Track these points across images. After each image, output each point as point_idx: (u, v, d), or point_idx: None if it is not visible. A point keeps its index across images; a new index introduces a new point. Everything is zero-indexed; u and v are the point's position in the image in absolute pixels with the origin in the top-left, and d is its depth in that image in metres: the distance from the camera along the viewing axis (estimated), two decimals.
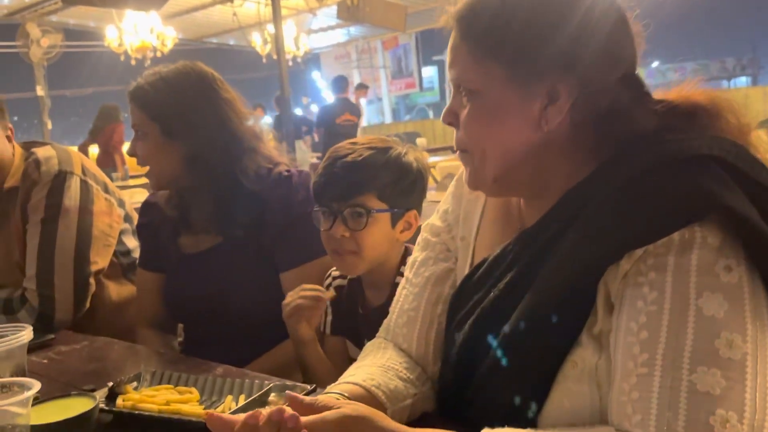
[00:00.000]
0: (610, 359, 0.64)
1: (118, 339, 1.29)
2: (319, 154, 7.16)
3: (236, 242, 1.33)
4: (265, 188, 1.33)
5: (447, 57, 0.79)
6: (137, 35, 7.13)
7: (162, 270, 1.45)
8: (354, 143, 1.16)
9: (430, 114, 20.76)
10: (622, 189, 0.66)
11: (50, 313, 1.39)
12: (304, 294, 1.13)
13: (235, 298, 1.31)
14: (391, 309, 0.93)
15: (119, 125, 6.57)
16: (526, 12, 0.72)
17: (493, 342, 0.72)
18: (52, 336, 1.28)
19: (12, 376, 0.89)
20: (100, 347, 1.23)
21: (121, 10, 6.41)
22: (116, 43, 7.29)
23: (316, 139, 8.13)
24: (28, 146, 1.56)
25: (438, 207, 0.95)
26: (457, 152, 0.80)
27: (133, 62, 7.23)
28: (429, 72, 21.25)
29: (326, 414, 0.62)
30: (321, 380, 1.08)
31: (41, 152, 1.51)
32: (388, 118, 18.19)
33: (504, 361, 0.70)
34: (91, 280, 1.46)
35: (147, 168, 1.37)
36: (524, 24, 0.71)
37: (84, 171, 1.51)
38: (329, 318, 1.25)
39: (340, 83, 7.61)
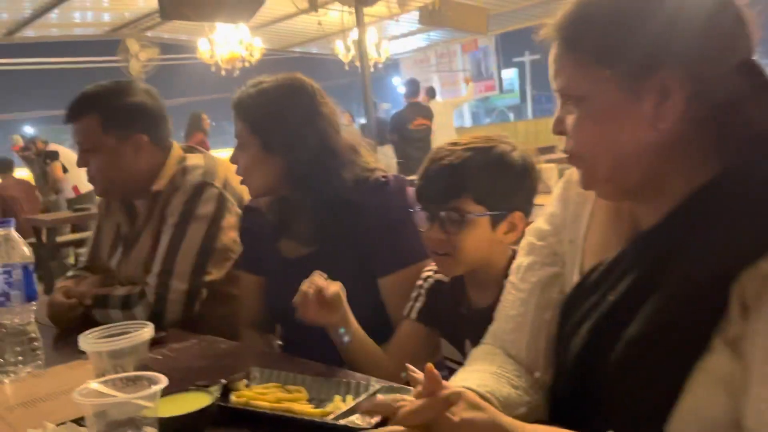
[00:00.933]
0: (746, 366, 0.61)
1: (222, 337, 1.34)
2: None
3: (335, 247, 1.35)
4: (362, 196, 1.34)
5: (550, 68, 0.78)
6: (227, 47, 7.43)
7: (263, 273, 1.49)
8: (455, 144, 1.14)
9: (511, 116, 20.42)
10: (760, 190, 0.63)
11: (162, 312, 1.47)
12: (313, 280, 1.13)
13: None
14: (496, 315, 0.92)
15: (202, 134, 6.88)
16: (626, 13, 0.70)
17: (614, 348, 0.70)
18: (164, 333, 1.34)
19: (135, 370, 0.95)
20: (208, 345, 1.28)
21: (212, 23, 6.70)
22: (208, 55, 7.63)
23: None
24: (186, 150, 1.68)
25: (543, 210, 0.93)
26: (568, 157, 0.78)
27: (222, 72, 7.54)
28: (509, 74, 20.89)
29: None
30: (364, 362, 1.13)
31: (191, 160, 1.61)
32: (467, 122, 18.03)
33: (628, 369, 0.68)
34: (203, 289, 1.52)
35: (242, 177, 1.41)
36: (625, 26, 0.70)
37: (225, 184, 1.58)
38: (417, 304, 1.24)
39: (411, 87, 7.51)
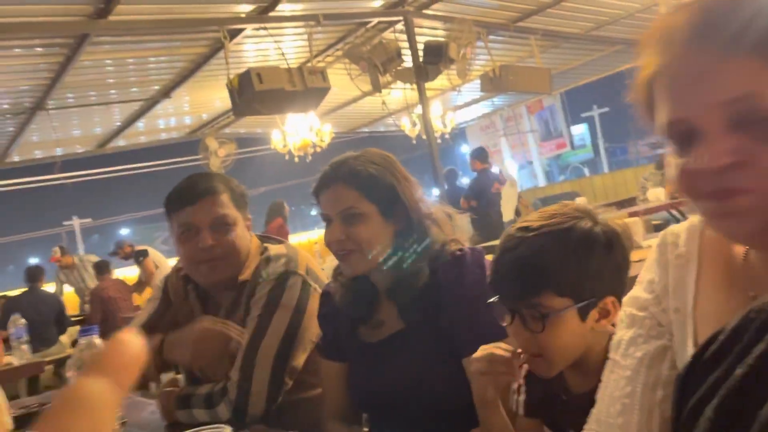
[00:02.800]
0: None
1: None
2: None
3: (416, 327, 1.30)
4: (438, 268, 1.30)
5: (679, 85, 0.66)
6: (298, 135, 7.73)
7: (345, 359, 1.45)
8: (525, 228, 1.02)
9: (586, 171, 20.00)
10: None
11: (244, 407, 1.43)
12: (497, 353, 1.04)
13: (418, 385, 1.27)
14: (598, 397, 0.83)
15: (281, 219, 7.12)
16: None
17: (749, 430, 0.60)
18: (248, 430, 1.31)
19: None
20: None
21: (283, 114, 7.02)
22: (281, 145, 7.96)
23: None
24: (263, 240, 1.69)
25: (639, 277, 0.84)
26: (723, 199, 0.64)
27: (296, 160, 7.82)
28: (579, 130, 20.67)
29: None
30: None
31: (273, 250, 1.62)
32: (541, 181, 17.79)
33: None
34: (287, 380, 1.49)
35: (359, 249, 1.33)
36: None
37: (308, 271, 1.58)
38: (522, 397, 1.14)
39: (482, 154, 7.80)
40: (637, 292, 0.83)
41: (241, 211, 1.61)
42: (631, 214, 3.90)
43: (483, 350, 1.06)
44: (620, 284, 1.01)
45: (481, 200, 7.33)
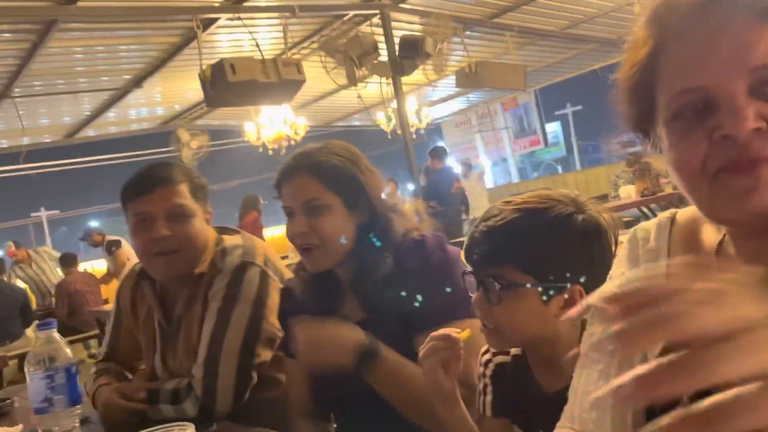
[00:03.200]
0: None
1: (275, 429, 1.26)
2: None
3: (379, 318, 1.28)
4: (401, 256, 1.29)
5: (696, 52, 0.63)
6: (272, 128, 7.66)
7: None
8: (508, 202, 1.02)
9: (559, 169, 20.23)
10: None
11: (211, 404, 1.40)
12: (436, 335, 1.03)
13: None
14: (571, 393, 0.82)
15: (256, 213, 7.05)
16: None
17: None
18: (214, 428, 1.28)
19: None
20: None
21: (257, 106, 6.95)
22: (255, 137, 7.88)
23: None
24: (220, 231, 1.63)
25: (611, 273, 0.84)
26: (747, 167, 0.60)
27: (270, 152, 7.75)
28: (552, 127, 20.88)
29: None
30: None
31: (229, 241, 1.57)
32: (515, 178, 17.94)
33: None
34: (253, 374, 1.45)
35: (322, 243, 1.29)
36: None
37: (266, 262, 1.54)
38: (488, 398, 1.11)
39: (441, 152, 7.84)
40: (608, 286, 0.82)
41: (201, 204, 1.55)
42: None
43: (428, 337, 1.05)
44: (592, 278, 0.98)
45: (441, 200, 7.15)
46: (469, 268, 1.04)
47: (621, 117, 0.73)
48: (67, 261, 6.88)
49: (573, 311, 0.82)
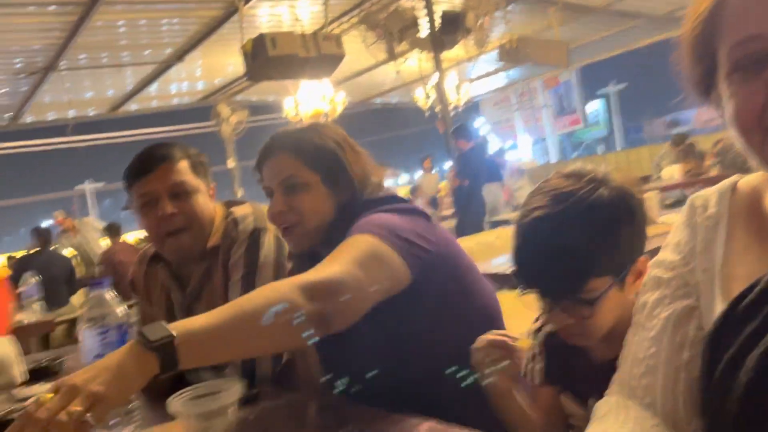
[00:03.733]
0: None
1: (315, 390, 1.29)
2: None
3: None
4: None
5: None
6: (311, 103, 7.68)
7: None
8: (545, 217, 0.95)
9: (600, 149, 19.81)
10: None
11: (252, 369, 1.43)
12: (495, 338, 1.03)
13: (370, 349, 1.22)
14: (621, 360, 0.81)
15: None
16: None
17: None
18: (256, 390, 1.30)
19: None
20: (301, 404, 1.23)
21: (296, 81, 6.96)
22: (293, 113, 7.92)
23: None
24: (228, 205, 1.64)
25: (666, 241, 0.82)
26: None
27: None
28: (594, 106, 20.42)
29: None
30: None
31: (238, 211, 1.57)
32: (553, 158, 17.65)
33: None
34: None
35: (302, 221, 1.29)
36: None
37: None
38: (538, 366, 1.10)
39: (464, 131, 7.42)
40: (664, 254, 0.80)
41: (202, 179, 1.56)
42: (647, 191, 3.86)
43: (481, 340, 1.04)
44: (644, 241, 0.98)
45: (475, 178, 6.65)
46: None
47: (684, 79, 0.71)
48: (113, 231, 7.06)
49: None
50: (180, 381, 1.38)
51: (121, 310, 1.15)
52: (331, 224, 1.28)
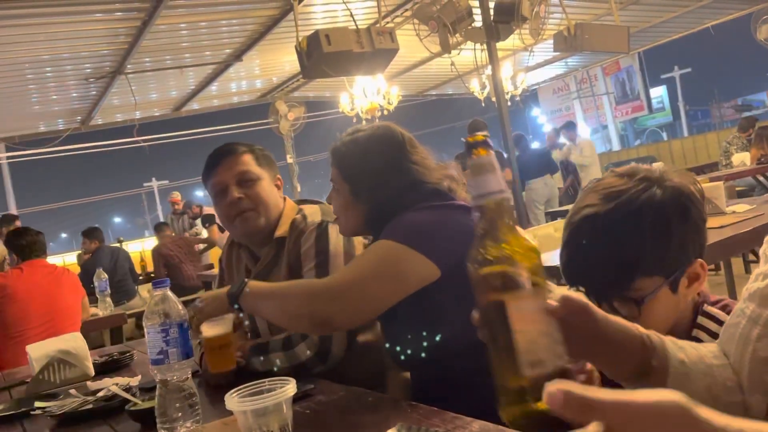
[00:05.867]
0: None
1: (368, 381, 1.32)
2: None
3: None
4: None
5: None
6: (366, 98, 7.72)
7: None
8: (594, 215, 0.94)
9: (664, 135, 19.10)
10: None
11: (328, 346, 1.49)
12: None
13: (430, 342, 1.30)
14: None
15: None
16: None
17: None
18: (312, 386, 1.34)
19: (279, 428, 0.94)
20: (356, 398, 1.26)
21: (351, 77, 7.01)
22: (349, 108, 7.98)
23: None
24: (300, 203, 1.79)
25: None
26: None
27: (364, 123, 7.82)
28: (658, 92, 19.69)
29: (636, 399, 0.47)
30: None
31: (307, 209, 1.71)
32: (615, 146, 17.13)
33: None
34: None
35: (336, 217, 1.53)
36: None
37: None
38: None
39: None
40: None
41: (267, 170, 1.73)
42: (713, 180, 3.69)
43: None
44: (703, 243, 0.95)
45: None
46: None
47: None
48: (159, 228, 7.44)
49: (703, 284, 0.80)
50: (238, 379, 1.44)
51: (181, 308, 1.20)
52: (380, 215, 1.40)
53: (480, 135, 0.67)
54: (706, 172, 6.98)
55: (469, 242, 1.29)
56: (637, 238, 0.91)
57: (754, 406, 0.71)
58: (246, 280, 1.39)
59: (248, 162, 1.70)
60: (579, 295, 0.71)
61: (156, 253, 6.93)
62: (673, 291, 0.93)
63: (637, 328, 0.75)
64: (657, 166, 1.00)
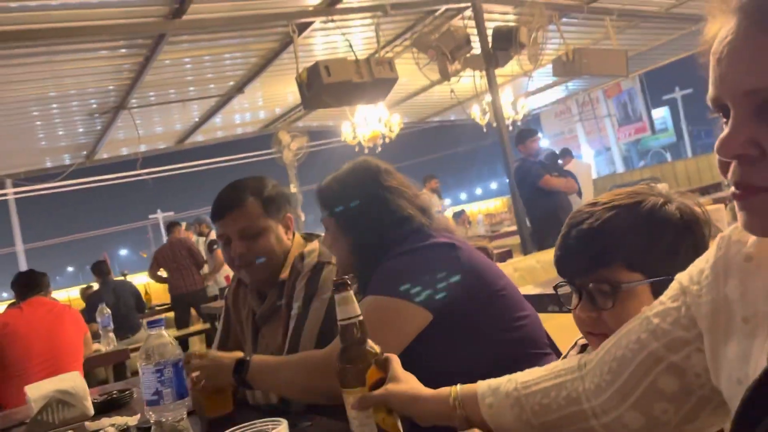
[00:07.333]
0: None
1: None
2: None
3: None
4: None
5: (718, 63, 0.60)
6: (368, 126, 7.77)
7: None
8: (594, 204, 0.99)
9: (668, 156, 19.11)
10: None
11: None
12: None
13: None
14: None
15: None
16: None
17: None
18: (309, 423, 1.32)
19: None
20: None
21: (352, 106, 7.07)
22: (351, 137, 8.03)
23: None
24: (306, 238, 1.76)
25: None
26: (739, 192, 0.60)
27: (366, 150, 7.87)
28: (660, 113, 19.76)
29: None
30: None
31: (308, 247, 1.69)
32: (619, 167, 17.14)
33: None
34: None
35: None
36: None
37: None
38: None
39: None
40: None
41: (273, 216, 1.67)
42: (716, 201, 3.68)
43: None
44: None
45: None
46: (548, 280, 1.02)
47: None
48: (171, 229, 7.56)
49: None
50: (235, 417, 1.43)
51: (176, 348, 1.20)
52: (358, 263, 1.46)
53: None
54: (711, 192, 6.96)
55: (451, 279, 1.35)
56: (625, 224, 0.93)
57: (629, 422, 0.78)
58: (248, 358, 1.41)
59: (253, 213, 1.64)
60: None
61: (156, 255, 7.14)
62: (654, 296, 0.91)
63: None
64: (662, 187, 1.01)
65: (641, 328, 0.78)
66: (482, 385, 0.94)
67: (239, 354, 1.47)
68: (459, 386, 0.96)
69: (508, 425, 0.88)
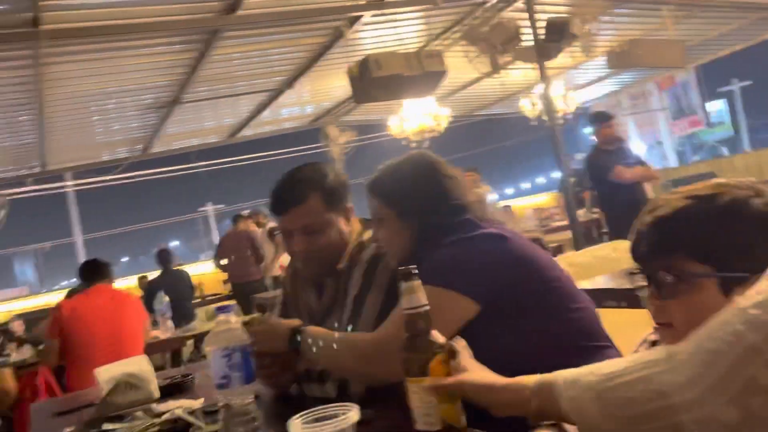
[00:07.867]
0: None
1: None
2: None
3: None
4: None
5: None
6: (416, 120, 7.76)
7: None
8: (675, 192, 0.97)
9: (725, 151, 18.46)
10: None
11: (346, 386, 1.50)
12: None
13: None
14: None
15: None
16: None
17: None
18: (372, 413, 1.33)
19: None
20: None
21: (400, 100, 7.07)
22: (398, 131, 8.03)
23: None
24: (364, 223, 1.74)
25: None
26: None
27: (413, 144, 7.86)
28: (716, 106, 19.08)
29: None
30: None
31: (367, 235, 1.69)
32: (672, 162, 16.63)
33: None
34: None
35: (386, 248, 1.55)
36: None
37: None
38: None
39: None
40: None
41: (335, 209, 1.65)
42: None
43: None
44: None
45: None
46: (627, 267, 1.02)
47: None
48: (236, 219, 7.89)
49: None
50: (301, 404, 1.45)
51: (243, 333, 1.23)
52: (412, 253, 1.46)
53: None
54: None
55: (500, 269, 1.35)
56: (696, 214, 0.92)
57: (724, 417, 0.74)
58: (303, 328, 1.47)
59: (315, 209, 1.62)
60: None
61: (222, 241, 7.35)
62: (724, 293, 0.89)
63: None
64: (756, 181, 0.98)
65: (737, 320, 0.76)
66: (560, 377, 0.91)
67: (297, 321, 1.51)
68: (536, 377, 0.94)
69: (591, 419, 0.86)
